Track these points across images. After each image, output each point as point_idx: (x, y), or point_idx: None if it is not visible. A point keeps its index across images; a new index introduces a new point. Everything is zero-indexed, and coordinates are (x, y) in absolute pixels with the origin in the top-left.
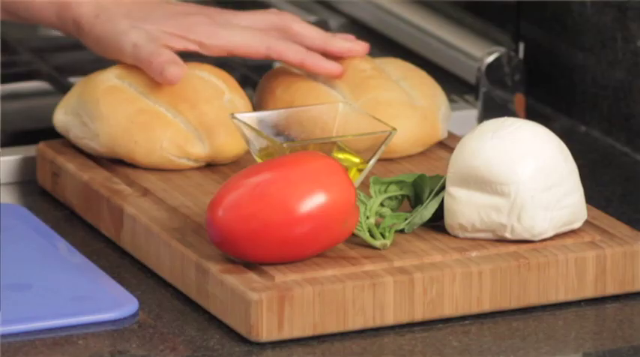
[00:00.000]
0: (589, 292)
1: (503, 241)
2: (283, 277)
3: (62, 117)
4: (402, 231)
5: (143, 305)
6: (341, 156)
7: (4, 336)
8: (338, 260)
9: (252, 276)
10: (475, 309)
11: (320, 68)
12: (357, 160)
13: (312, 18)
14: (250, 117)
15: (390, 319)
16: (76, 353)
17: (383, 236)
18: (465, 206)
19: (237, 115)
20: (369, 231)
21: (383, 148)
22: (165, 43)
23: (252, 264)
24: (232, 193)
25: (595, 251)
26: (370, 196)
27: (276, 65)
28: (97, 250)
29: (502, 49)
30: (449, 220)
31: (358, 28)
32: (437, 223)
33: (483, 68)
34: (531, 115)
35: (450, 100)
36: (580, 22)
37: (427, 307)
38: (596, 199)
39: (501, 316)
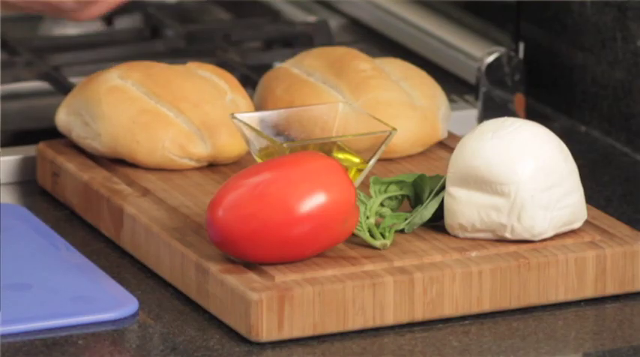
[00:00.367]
0: (589, 292)
1: (503, 241)
2: (283, 277)
3: (64, 117)
4: (402, 231)
5: (143, 305)
6: (341, 156)
7: (4, 336)
8: (338, 260)
9: (252, 276)
10: (475, 309)
11: None
12: (357, 160)
13: (312, 18)
14: (250, 117)
15: (390, 319)
16: (76, 353)
17: (383, 236)
18: (465, 206)
19: (237, 115)
20: (369, 231)
21: (383, 148)
22: None
23: (252, 264)
24: (232, 193)
25: (595, 251)
26: (370, 196)
27: (276, 65)
28: (97, 250)
29: (502, 49)
30: (449, 220)
31: (358, 28)
32: (437, 223)
33: (483, 68)
34: (531, 115)
35: (450, 100)
36: (580, 22)
37: (427, 307)
38: (596, 199)
39: (501, 316)
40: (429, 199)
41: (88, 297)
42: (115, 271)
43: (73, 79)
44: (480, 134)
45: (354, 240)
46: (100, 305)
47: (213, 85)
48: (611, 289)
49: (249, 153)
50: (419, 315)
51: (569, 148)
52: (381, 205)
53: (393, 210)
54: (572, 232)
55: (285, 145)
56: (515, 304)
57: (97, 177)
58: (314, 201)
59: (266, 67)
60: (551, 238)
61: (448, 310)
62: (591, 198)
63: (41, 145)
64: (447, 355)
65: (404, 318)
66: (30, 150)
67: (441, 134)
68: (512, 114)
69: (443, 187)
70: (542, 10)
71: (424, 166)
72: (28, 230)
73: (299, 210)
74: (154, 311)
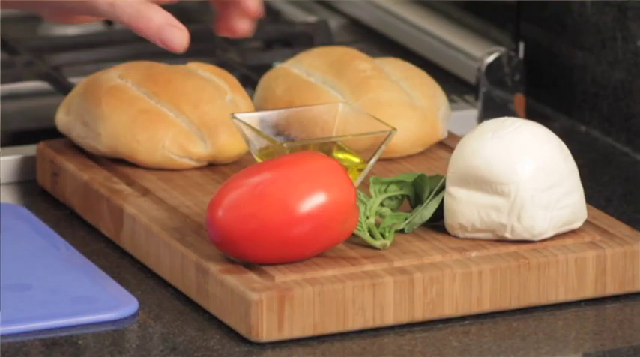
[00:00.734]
0: (589, 292)
1: (503, 241)
2: (283, 277)
3: (64, 117)
4: (402, 231)
5: (143, 305)
6: (341, 156)
7: (4, 336)
8: (338, 260)
9: (252, 276)
10: (475, 309)
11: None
12: (357, 160)
13: (312, 18)
14: (250, 117)
15: (390, 319)
16: (76, 353)
17: (383, 236)
18: (465, 206)
19: (237, 115)
20: (369, 231)
21: (383, 148)
22: None
23: (252, 264)
24: (232, 193)
25: (595, 251)
26: (370, 196)
27: (276, 65)
28: (97, 250)
29: (502, 49)
30: (449, 220)
31: (358, 28)
32: (437, 223)
33: (483, 68)
34: (531, 115)
35: (450, 100)
36: (580, 22)
37: (427, 307)
38: (596, 199)
39: (501, 316)
40: (429, 199)
41: (88, 297)
42: (115, 271)
43: (73, 79)
44: (479, 134)
45: (354, 240)
46: (100, 305)
47: (213, 85)
48: (611, 289)
49: (249, 153)
50: (419, 315)
51: (569, 148)
52: (381, 205)
53: (393, 210)
54: (572, 232)
55: (285, 145)
56: (515, 304)
57: (97, 177)
58: (314, 201)
59: (266, 67)
60: (551, 238)
61: (448, 310)
62: (591, 198)
63: (41, 145)
64: (447, 355)
65: (404, 318)
66: (30, 150)
67: (441, 134)
68: (512, 114)
69: (443, 187)
70: (542, 10)
71: (424, 166)
72: (28, 230)
73: (299, 210)
74: (154, 311)
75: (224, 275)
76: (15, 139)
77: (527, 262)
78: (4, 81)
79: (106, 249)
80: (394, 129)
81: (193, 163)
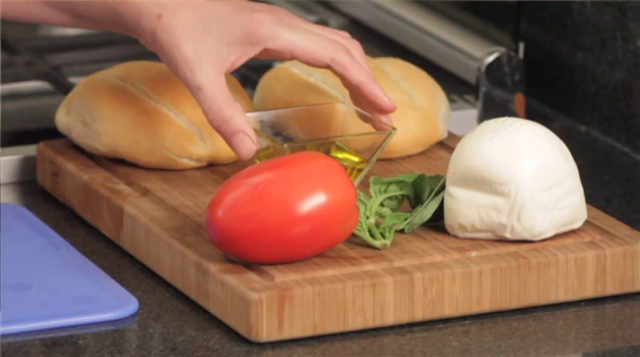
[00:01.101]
0: (589, 292)
1: (503, 241)
2: (283, 277)
3: (64, 117)
4: (402, 231)
5: (143, 305)
6: (340, 155)
7: (4, 336)
8: (338, 260)
9: (252, 276)
10: (475, 309)
11: (376, 97)
12: (356, 159)
13: (312, 18)
14: (249, 117)
15: (390, 319)
16: (76, 353)
17: (383, 236)
18: (464, 206)
19: None
20: (369, 231)
21: (383, 147)
22: (234, 63)
23: (252, 264)
24: (232, 193)
25: (595, 251)
26: (370, 196)
27: (276, 65)
28: (97, 250)
29: (502, 49)
30: (449, 220)
31: (358, 28)
32: (437, 223)
33: (483, 68)
34: (531, 115)
35: (450, 100)
36: (580, 22)
37: (427, 307)
38: (596, 199)
39: (501, 316)
40: (429, 199)
41: (88, 297)
42: (115, 271)
43: (73, 79)
44: (479, 134)
45: (354, 240)
46: (100, 305)
47: None
48: (611, 289)
49: None
50: (419, 315)
51: (569, 148)
52: (381, 205)
53: (393, 210)
54: (572, 232)
55: (285, 145)
56: (515, 304)
57: (97, 177)
58: (314, 201)
59: (266, 67)
60: (551, 238)
61: (448, 310)
62: (591, 198)
63: (41, 145)
64: (447, 355)
65: (404, 318)
66: (30, 150)
67: (441, 134)
68: (512, 114)
69: (443, 187)
70: (542, 10)
71: (424, 166)
72: (28, 230)
73: (299, 210)
74: (154, 311)
75: (224, 275)
76: (15, 139)
77: (527, 262)
78: (4, 81)
79: (106, 249)
80: (394, 128)
81: (193, 163)
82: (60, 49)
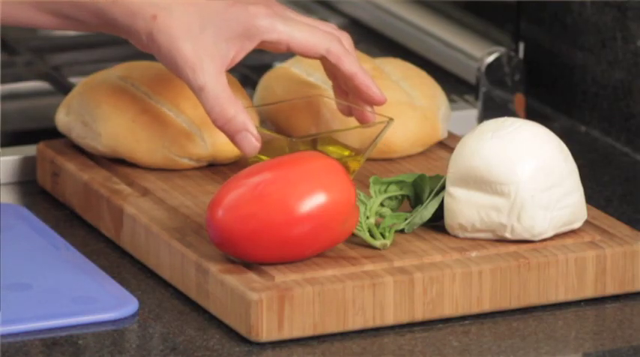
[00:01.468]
0: (589, 292)
1: (503, 241)
2: (283, 277)
3: (64, 117)
4: (402, 231)
5: (143, 305)
6: (330, 148)
7: (4, 336)
8: (338, 260)
9: (252, 276)
10: (475, 309)
11: (367, 88)
12: (346, 153)
13: (312, 18)
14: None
15: (390, 319)
16: (76, 353)
17: (383, 236)
18: (464, 206)
19: None
20: (369, 231)
21: (381, 136)
22: (233, 59)
23: (252, 264)
24: (232, 193)
25: (595, 251)
26: (370, 196)
27: (276, 65)
28: (97, 250)
29: (502, 49)
30: (449, 220)
31: (358, 28)
32: (437, 223)
33: (483, 68)
34: (531, 115)
35: (450, 100)
36: (580, 22)
37: (427, 307)
38: (596, 199)
39: (501, 316)
40: (429, 199)
41: (88, 297)
42: (115, 271)
43: (73, 79)
44: (479, 134)
45: (354, 240)
46: (100, 305)
47: None
48: (611, 289)
49: None
50: (419, 315)
51: (569, 148)
52: (381, 205)
53: (393, 210)
54: (572, 232)
55: (294, 139)
56: (515, 304)
57: (97, 177)
58: (314, 201)
59: (266, 67)
60: (551, 238)
61: (448, 310)
62: (591, 198)
63: (41, 145)
64: (447, 355)
65: (404, 318)
66: (30, 150)
67: (441, 134)
68: (512, 114)
69: (443, 187)
70: (542, 10)
71: (424, 166)
72: (28, 230)
73: (299, 210)
74: (154, 311)
75: (224, 275)
76: (15, 139)
77: (527, 262)
78: (4, 81)
79: (106, 249)
80: (391, 119)
81: (193, 163)
82: (60, 49)
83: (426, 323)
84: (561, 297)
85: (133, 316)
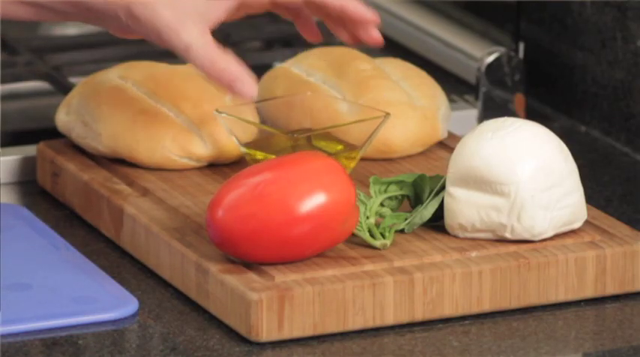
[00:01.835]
0: (589, 292)
1: (503, 241)
2: (283, 277)
3: (64, 117)
4: (402, 231)
5: (143, 305)
6: (323, 143)
7: (4, 336)
8: (338, 260)
9: (252, 276)
10: (475, 309)
11: (360, 14)
12: (339, 147)
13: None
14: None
15: (390, 319)
16: (76, 353)
17: (383, 236)
18: (464, 206)
19: (223, 112)
20: (369, 231)
21: (379, 131)
22: (216, 20)
23: (252, 264)
24: (232, 193)
25: (595, 251)
26: (370, 196)
27: (276, 65)
28: (97, 250)
29: (502, 49)
30: (449, 220)
31: None
32: (437, 223)
33: (483, 68)
34: (531, 115)
35: (450, 100)
36: (580, 22)
37: (427, 307)
38: (596, 199)
39: (501, 316)
40: (429, 199)
41: (88, 297)
42: (115, 271)
43: (73, 79)
44: (479, 134)
45: (354, 240)
46: (100, 305)
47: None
48: (611, 289)
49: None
50: (419, 315)
51: (569, 148)
52: (381, 205)
53: (393, 210)
54: (572, 232)
55: (295, 135)
56: (515, 304)
57: (97, 177)
58: (314, 201)
59: (266, 67)
60: (551, 238)
61: (448, 310)
62: (591, 198)
63: (41, 145)
64: (447, 355)
65: (404, 318)
66: (30, 150)
67: (441, 134)
68: (512, 114)
69: (443, 187)
70: (542, 10)
71: (424, 166)
72: (28, 230)
73: (299, 210)
74: (154, 311)
75: (224, 275)
76: (15, 139)
77: (527, 262)
78: (4, 81)
79: (106, 249)
80: (388, 113)
81: (193, 163)
82: (60, 49)
83: (426, 323)
84: (561, 297)
85: (133, 316)
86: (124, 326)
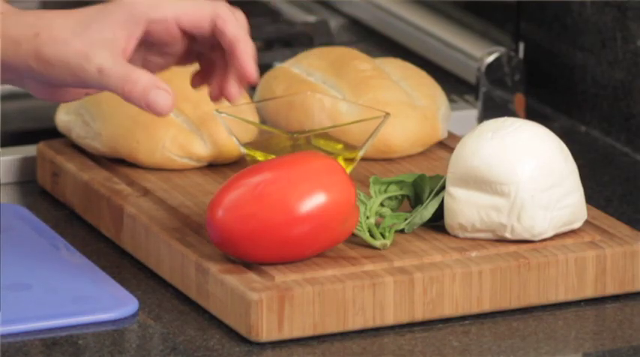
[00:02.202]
0: (589, 292)
1: (503, 241)
2: (283, 277)
3: (64, 117)
4: (402, 231)
5: (143, 305)
6: (322, 142)
7: (4, 336)
8: (338, 260)
9: (252, 276)
10: (475, 309)
11: (244, 59)
12: (339, 146)
13: (312, 18)
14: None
15: (390, 319)
16: (76, 353)
17: (383, 236)
18: (465, 206)
19: (223, 112)
20: (369, 231)
21: (378, 131)
22: (125, 46)
23: (252, 264)
24: (232, 193)
25: (595, 251)
26: (370, 196)
27: (276, 65)
28: (97, 250)
29: (502, 49)
30: (449, 220)
31: (358, 28)
32: (437, 223)
33: (483, 68)
34: (531, 115)
35: (450, 100)
36: (580, 22)
37: (427, 307)
38: (596, 199)
39: (501, 316)
40: (429, 199)
41: (88, 297)
42: (115, 271)
43: None
44: (479, 134)
45: (354, 240)
46: (100, 305)
47: None
48: (611, 289)
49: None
50: (419, 315)
51: (569, 148)
52: (381, 205)
53: (393, 210)
54: (572, 232)
55: (295, 134)
56: (515, 304)
57: (97, 177)
58: (314, 201)
59: (266, 67)
60: (551, 238)
61: (448, 310)
62: (591, 198)
63: (41, 145)
64: (447, 355)
65: (404, 318)
66: (30, 150)
67: (441, 134)
68: (512, 114)
69: (443, 187)
70: (542, 10)
71: (424, 166)
72: (28, 230)
73: (299, 210)
74: (154, 311)
75: (224, 275)
76: (15, 139)
77: (527, 262)
78: None
79: (106, 249)
80: (388, 113)
81: (193, 163)
82: None
83: (426, 323)
84: (561, 297)
85: (133, 316)
86: (124, 326)
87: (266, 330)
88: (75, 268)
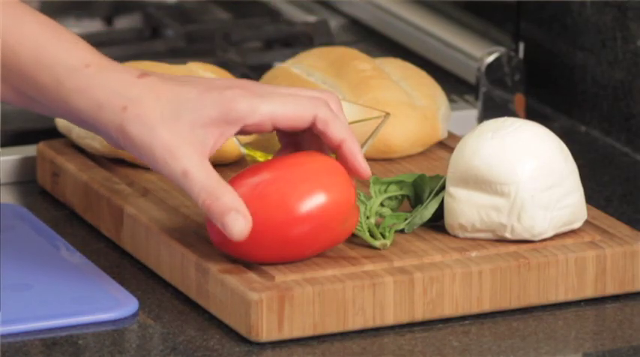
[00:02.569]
0: (589, 292)
1: (503, 241)
2: (283, 277)
3: None
4: (402, 231)
5: (143, 305)
6: None
7: (4, 336)
8: (338, 260)
9: (252, 276)
10: (475, 309)
11: (353, 159)
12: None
13: (312, 18)
14: None
15: (390, 319)
16: (76, 353)
17: (383, 236)
18: (465, 206)
19: None
20: (369, 231)
21: (378, 132)
22: (214, 145)
23: (252, 264)
24: None
25: (595, 251)
26: (370, 196)
27: (276, 65)
28: (97, 250)
29: (502, 49)
30: (449, 220)
31: (358, 28)
32: (437, 223)
33: (483, 68)
34: (531, 115)
35: (450, 100)
36: (580, 22)
37: (427, 307)
38: (596, 199)
39: (501, 316)
40: (429, 199)
41: (88, 297)
42: (115, 271)
43: None
44: (479, 134)
45: (354, 240)
46: (100, 305)
47: None
48: (611, 289)
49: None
50: (419, 315)
51: (569, 148)
52: (381, 205)
53: (393, 210)
54: (572, 232)
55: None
56: (515, 304)
57: (97, 177)
58: (314, 201)
59: (266, 67)
60: (551, 238)
61: (448, 310)
62: (591, 198)
63: (41, 145)
64: (447, 355)
65: (404, 318)
66: (30, 150)
67: (441, 134)
68: (512, 114)
69: (443, 187)
70: (542, 10)
71: (424, 166)
72: (28, 230)
73: (299, 210)
74: (154, 311)
75: (224, 275)
76: (15, 139)
77: (527, 262)
78: None
79: (106, 249)
80: (388, 113)
81: None
82: None
83: (426, 323)
84: (561, 297)
85: (133, 316)
86: (124, 326)
87: (266, 330)
88: (75, 268)
